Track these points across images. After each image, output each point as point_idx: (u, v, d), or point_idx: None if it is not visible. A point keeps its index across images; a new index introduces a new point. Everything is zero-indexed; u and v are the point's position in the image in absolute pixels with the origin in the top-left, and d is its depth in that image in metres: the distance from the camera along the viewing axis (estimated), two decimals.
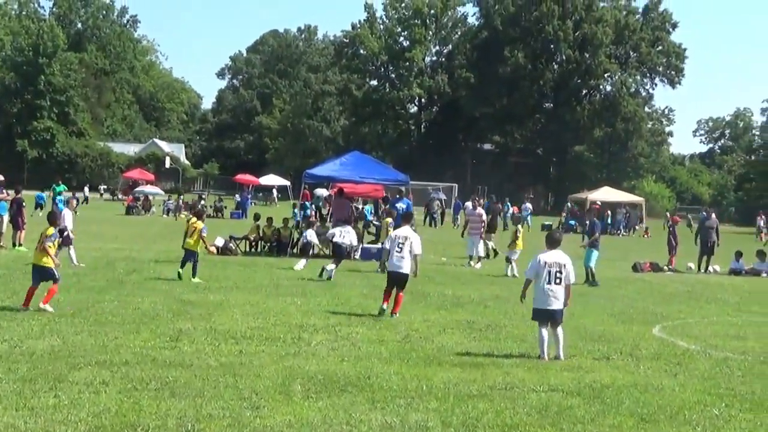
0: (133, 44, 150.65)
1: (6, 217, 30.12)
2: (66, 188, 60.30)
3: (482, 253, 30.10)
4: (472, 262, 29.55)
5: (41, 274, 16.40)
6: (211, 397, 10.06)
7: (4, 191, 31.46)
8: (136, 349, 12.71)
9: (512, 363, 12.88)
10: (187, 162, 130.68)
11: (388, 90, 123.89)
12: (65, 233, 23.06)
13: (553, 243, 13.72)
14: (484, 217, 31.41)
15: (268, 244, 32.75)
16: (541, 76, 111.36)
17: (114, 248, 30.85)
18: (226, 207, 64.98)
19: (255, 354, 12.75)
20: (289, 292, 20.27)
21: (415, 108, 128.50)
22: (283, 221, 33.50)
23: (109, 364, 11.56)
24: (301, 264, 25.84)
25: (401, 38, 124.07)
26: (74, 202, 26.61)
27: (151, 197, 69.92)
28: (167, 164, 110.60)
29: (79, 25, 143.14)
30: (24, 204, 30.91)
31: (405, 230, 17.92)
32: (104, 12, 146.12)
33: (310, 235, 27.76)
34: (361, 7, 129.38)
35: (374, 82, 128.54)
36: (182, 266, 21.86)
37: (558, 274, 13.34)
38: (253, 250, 32.95)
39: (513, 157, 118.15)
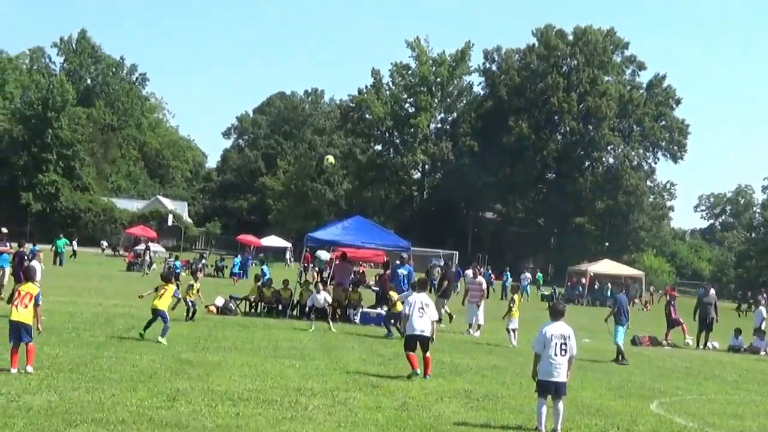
0: (141, 101, 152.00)
1: (8, 270, 30.15)
2: (68, 242, 60.42)
3: (482, 321, 30.05)
4: (471, 330, 29.53)
5: (26, 331, 15.85)
6: None
7: (7, 244, 31.53)
8: (132, 408, 12.69)
9: None
10: (189, 220, 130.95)
11: (392, 155, 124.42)
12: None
13: (556, 314, 13.73)
14: (484, 285, 31.44)
15: (268, 306, 32.75)
16: (545, 146, 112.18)
17: (114, 304, 30.85)
18: (226, 266, 64.95)
19: (252, 416, 12.73)
20: (287, 355, 20.26)
21: (419, 174, 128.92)
22: (283, 283, 33.51)
23: (106, 423, 11.55)
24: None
25: (407, 104, 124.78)
26: (40, 254, 26.64)
27: (152, 254, 69.90)
28: (170, 222, 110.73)
29: (89, 81, 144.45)
30: (26, 257, 30.95)
31: (423, 296, 18.45)
32: (114, 69, 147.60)
33: (320, 298, 28.01)
34: (368, 73, 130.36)
35: (379, 147, 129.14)
36: (146, 327, 21.67)
37: (563, 346, 13.34)
38: (252, 310, 32.93)
39: (514, 227, 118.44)
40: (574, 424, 14.06)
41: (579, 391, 17.64)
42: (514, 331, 26.42)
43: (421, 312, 17.86)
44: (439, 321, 32.14)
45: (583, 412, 15.32)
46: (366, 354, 21.57)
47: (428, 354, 17.95)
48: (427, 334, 17.93)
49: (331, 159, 23.45)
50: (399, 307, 26.25)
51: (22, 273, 16.59)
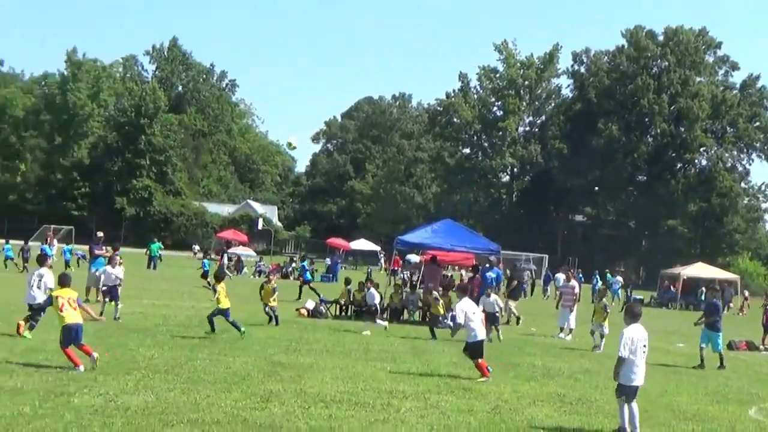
0: (231, 107, 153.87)
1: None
2: (161, 246, 61.27)
3: (573, 325, 29.74)
4: (562, 334, 29.27)
5: (80, 333, 16.31)
6: None
7: (103, 248, 32.12)
8: (227, 409, 12.82)
9: None
10: (279, 224, 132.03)
11: (480, 158, 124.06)
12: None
13: (635, 316, 13.53)
14: (577, 289, 31.13)
15: (358, 309, 32.83)
16: (635, 148, 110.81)
17: (206, 307, 31.13)
18: (317, 270, 65.31)
19: (344, 419, 12.76)
20: (378, 357, 20.28)
21: (507, 177, 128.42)
22: (358, 285, 33.56)
23: (201, 423, 11.67)
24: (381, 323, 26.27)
25: (495, 108, 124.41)
26: (117, 258, 27.20)
27: (243, 258, 70.63)
28: (260, 226, 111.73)
29: (180, 88, 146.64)
30: (121, 261, 31.45)
31: (470, 302, 18.65)
32: (204, 76, 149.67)
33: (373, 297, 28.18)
34: (456, 77, 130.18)
35: (467, 151, 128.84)
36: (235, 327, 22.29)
37: (644, 349, 13.20)
38: (343, 314, 33.06)
39: (604, 229, 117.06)
40: (671, 429, 13.85)
41: (675, 396, 17.39)
42: (602, 336, 25.93)
43: (473, 318, 18.06)
44: (507, 322, 32.09)
45: (679, 417, 15.07)
46: (457, 357, 21.46)
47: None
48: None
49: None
50: (440, 309, 26.34)
51: (58, 279, 16.91)
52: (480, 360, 17.90)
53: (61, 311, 15.99)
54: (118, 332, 21.83)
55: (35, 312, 20.32)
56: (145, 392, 13.75)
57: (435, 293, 28.30)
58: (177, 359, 17.56)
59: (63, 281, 16.78)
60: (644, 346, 13.18)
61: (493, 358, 21.68)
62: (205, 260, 56.14)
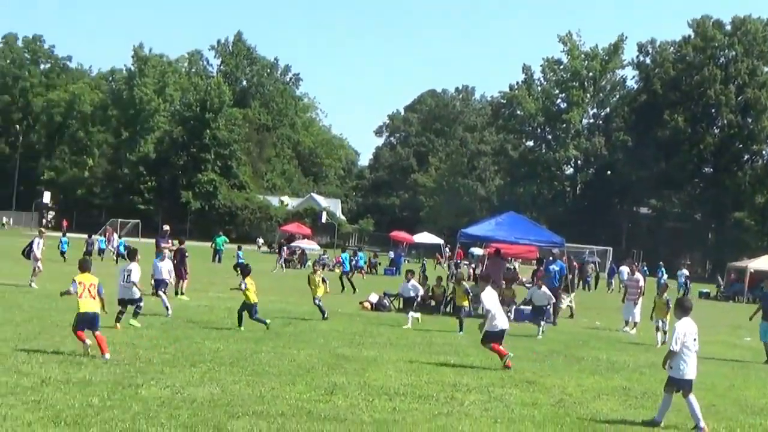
0: (295, 101, 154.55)
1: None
2: (226, 240, 61.73)
3: (638, 319, 29.47)
4: (627, 328, 29.04)
5: (95, 321, 16.35)
6: None
7: (169, 241, 32.47)
8: (291, 401, 12.90)
9: None
10: (342, 217, 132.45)
11: (544, 151, 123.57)
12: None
13: (686, 310, 13.46)
14: (642, 282, 30.85)
15: (422, 302, 32.83)
16: (701, 140, 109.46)
17: (270, 300, 31.41)
18: (380, 263, 65.45)
19: (408, 411, 12.78)
20: (442, 350, 20.29)
21: (571, 169, 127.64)
22: (436, 279, 33.55)
23: (266, 415, 11.76)
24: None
25: (558, 100, 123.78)
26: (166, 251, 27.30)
27: (307, 251, 70.93)
28: (323, 219, 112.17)
29: (244, 83, 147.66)
30: (187, 254, 31.79)
31: (493, 291, 18.98)
32: (268, 70, 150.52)
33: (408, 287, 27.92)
34: (519, 69, 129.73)
35: (530, 143, 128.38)
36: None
37: (695, 343, 13.14)
38: None
39: (669, 222, 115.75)
40: (738, 424, 13.68)
41: (743, 390, 17.20)
42: (665, 332, 25.33)
43: (497, 306, 18.38)
44: (571, 316, 31.85)
45: (746, 412, 14.88)
46: (520, 351, 21.41)
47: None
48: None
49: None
50: (465, 301, 25.92)
51: (78, 264, 17.00)
52: (494, 344, 18.01)
53: (80, 298, 16.11)
54: (184, 325, 22.07)
55: (129, 304, 20.92)
56: (211, 384, 13.88)
57: (464, 284, 28.01)
58: (242, 352, 17.71)
59: (84, 266, 16.80)
60: (694, 339, 13.10)
61: (557, 351, 21.65)
62: (239, 251, 56.27)
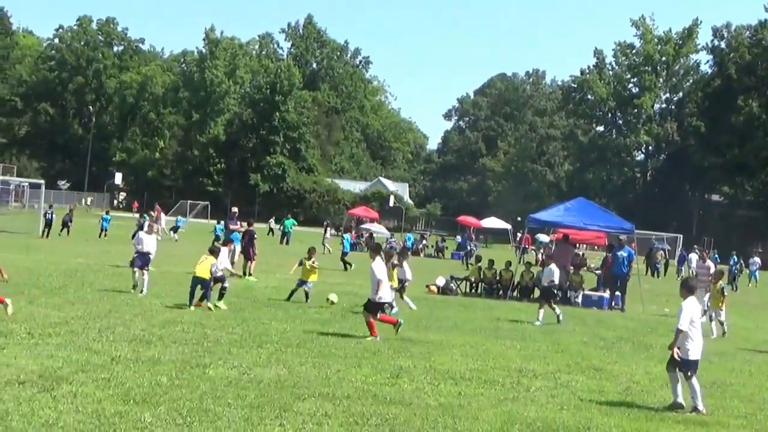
0: (364, 84, 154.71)
1: (238, 248, 31.30)
2: (295, 222, 62.10)
3: (705, 307, 29.01)
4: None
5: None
6: None
7: (237, 223, 32.71)
8: (357, 384, 12.93)
9: (739, 424, 12.34)
10: (410, 201, 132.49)
11: (614, 136, 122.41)
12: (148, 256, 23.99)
13: (690, 290, 13.53)
14: (713, 269, 30.41)
15: (488, 287, 32.77)
16: None
17: (337, 283, 31.55)
18: (447, 247, 65.40)
19: (474, 396, 12.74)
20: (508, 336, 20.20)
21: (642, 155, 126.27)
22: (505, 264, 33.43)
23: (332, 397, 11.80)
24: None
25: (630, 85, 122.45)
26: (156, 226, 26.53)
27: (375, 235, 71.00)
28: (391, 203, 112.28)
29: (314, 65, 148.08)
30: (256, 236, 32.01)
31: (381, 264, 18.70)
32: (338, 53, 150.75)
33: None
34: (591, 53, 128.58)
35: (600, 128, 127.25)
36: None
37: (697, 323, 13.21)
38: (473, 291, 33.05)
39: (742, 210, 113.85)
40: None
41: None
42: (722, 323, 24.42)
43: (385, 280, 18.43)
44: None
45: None
46: (588, 337, 21.29)
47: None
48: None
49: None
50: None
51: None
52: (372, 320, 17.93)
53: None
54: (252, 306, 22.24)
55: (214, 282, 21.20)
56: (278, 365, 13.96)
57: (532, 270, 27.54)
58: (309, 334, 17.79)
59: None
60: (698, 320, 13.16)
61: (625, 338, 21.45)
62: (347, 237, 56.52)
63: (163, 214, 64.47)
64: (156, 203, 78.42)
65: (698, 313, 13.17)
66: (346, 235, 45.22)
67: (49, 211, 51.63)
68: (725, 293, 24.53)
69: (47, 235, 48.44)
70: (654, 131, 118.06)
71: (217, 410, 10.51)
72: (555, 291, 24.77)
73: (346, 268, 40.75)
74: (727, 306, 24.58)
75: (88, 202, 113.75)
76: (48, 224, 49.59)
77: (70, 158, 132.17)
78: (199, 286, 20.77)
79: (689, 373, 12.92)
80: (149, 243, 24.40)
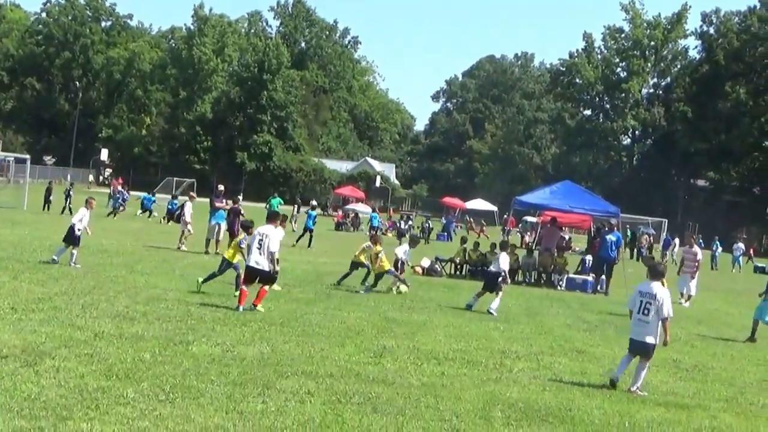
0: (353, 64, 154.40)
1: (224, 226, 31.25)
2: (281, 201, 62.03)
3: (693, 292, 29.19)
4: (681, 300, 28.76)
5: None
6: (412, 416, 10.15)
7: (223, 201, 32.65)
8: (340, 362, 12.96)
9: (720, 407, 12.44)
10: (397, 182, 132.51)
11: (601, 120, 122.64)
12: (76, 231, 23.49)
13: (655, 275, 13.46)
14: (700, 255, 30.54)
15: (473, 268, 32.81)
16: (763, 113, 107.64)
17: (322, 262, 31.59)
18: (432, 229, 65.44)
19: (456, 376, 12.79)
20: (491, 317, 20.26)
21: (629, 140, 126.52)
22: (491, 246, 33.47)
23: (315, 375, 11.83)
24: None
25: (618, 69, 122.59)
26: (93, 202, 26.08)
27: (360, 215, 71.10)
28: (377, 183, 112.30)
29: (303, 45, 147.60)
30: (242, 214, 31.98)
31: (267, 228, 18.30)
32: (327, 32, 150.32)
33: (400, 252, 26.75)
34: (580, 37, 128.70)
35: (588, 112, 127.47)
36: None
37: (648, 305, 13.05)
38: (457, 273, 33.10)
39: (727, 195, 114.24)
40: None
41: None
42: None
43: (260, 245, 17.82)
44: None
45: None
46: (571, 320, 21.39)
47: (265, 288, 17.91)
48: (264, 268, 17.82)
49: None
50: (386, 265, 24.14)
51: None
52: (244, 288, 17.85)
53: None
54: (235, 284, 22.21)
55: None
56: (261, 343, 13.97)
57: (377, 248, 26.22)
58: (292, 312, 17.80)
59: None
60: (648, 302, 13.04)
61: (608, 321, 21.56)
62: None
63: (120, 187, 64.56)
64: (113, 177, 78.24)
65: (647, 296, 13.15)
66: (312, 212, 44.69)
67: (69, 188, 53.57)
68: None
69: (61, 211, 49.32)
70: (641, 116, 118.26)
71: (200, 387, 10.53)
72: (500, 281, 22.43)
73: (310, 244, 40.52)
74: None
75: (68, 179, 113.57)
76: (67, 197, 51.13)
77: (56, 134, 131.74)
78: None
79: (646, 357, 13.09)
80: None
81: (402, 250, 26.62)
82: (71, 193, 52.15)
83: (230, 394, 10.32)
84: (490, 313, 20.53)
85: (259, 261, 17.72)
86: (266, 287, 17.71)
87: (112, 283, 20.00)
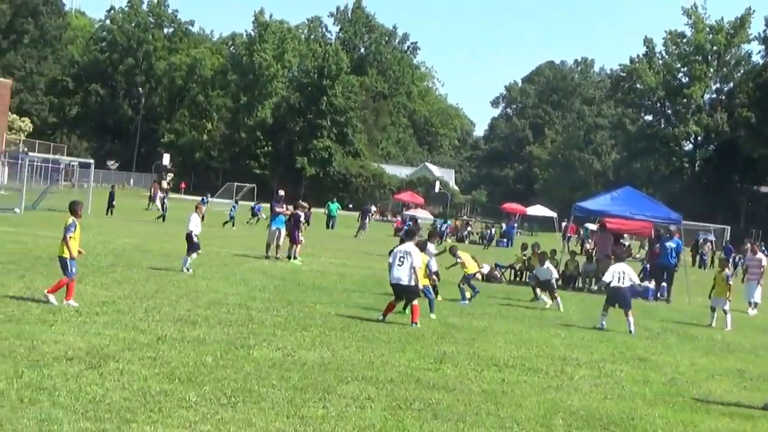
0: (412, 70, 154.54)
1: (284, 231, 31.35)
2: (339, 206, 62.30)
3: (759, 299, 28.72)
4: (749, 309, 28.28)
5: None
6: (472, 423, 10.11)
7: (283, 206, 32.75)
8: (401, 368, 12.94)
9: None
10: (456, 187, 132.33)
11: (663, 126, 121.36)
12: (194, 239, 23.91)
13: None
14: (764, 262, 30.09)
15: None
16: None
17: (382, 268, 31.53)
18: (494, 235, 65.22)
19: (517, 383, 12.72)
20: (552, 324, 20.15)
21: (690, 146, 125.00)
22: (550, 253, 33.23)
23: (375, 381, 11.83)
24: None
25: (680, 74, 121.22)
26: (203, 207, 26.54)
27: (419, 221, 70.96)
28: (437, 189, 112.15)
29: (362, 50, 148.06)
30: (302, 219, 32.10)
31: (408, 245, 18.36)
32: (387, 38, 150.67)
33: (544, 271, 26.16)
34: (640, 42, 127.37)
35: (649, 118, 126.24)
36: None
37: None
38: (517, 279, 32.96)
39: None
40: None
41: None
42: (726, 312, 23.46)
43: (401, 261, 17.74)
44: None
45: None
46: (632, 327, 21.17)
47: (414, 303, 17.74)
48: (404, 282, 17.68)
49: None
50: (471, 268, 24.26)
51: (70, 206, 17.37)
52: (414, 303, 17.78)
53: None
54: (297, 289, 22.30)
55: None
56: (322, 348, 14.01)
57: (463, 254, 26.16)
58: (353, 318, 17.82)
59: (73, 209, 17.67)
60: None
61: (670, 329, 21.33)
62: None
63: (159, 192, 65.49)
64: (153, 180, 79.13)
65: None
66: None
67: (164, 196, 57.08)
68: (731, 282, 23.71)
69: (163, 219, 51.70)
70: (703, 121, 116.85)
71: (261, 391, 10.59)
72: (553, 283, 24.26)
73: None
74: (732, 295, 23.78)
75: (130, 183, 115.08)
76: (163, 208, 53.94)
77: (120, 138, 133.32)
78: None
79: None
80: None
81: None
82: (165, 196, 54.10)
83: (291, 399, 10.36)
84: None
85: (401, 276, 17.77)
86: (415, 302, 17.66)
87: (174, 287, 20.18)
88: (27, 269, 20.99)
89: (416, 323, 17.33)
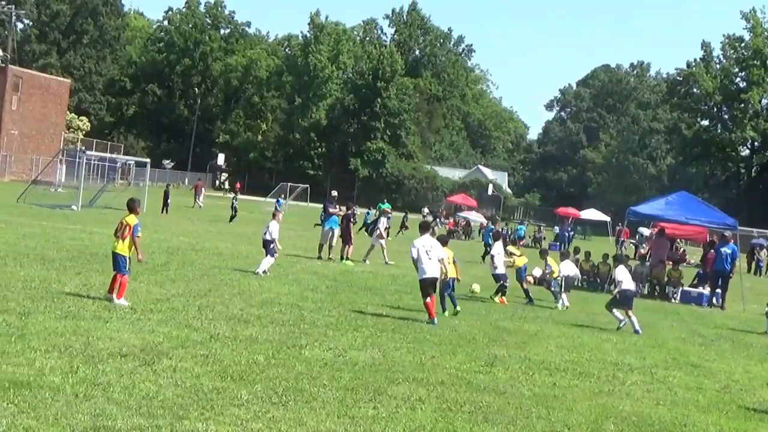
0: (466, 73, 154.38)
1: (337, 232, 31.44)
2: (390, 207, 62.25)
3: None
4: None
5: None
6: (523, 426, 10.10)
7: (336, 206, 32.83)
8: (451, 371, 12.95)
9: None
10: (509, 190, 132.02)
11: (719, 131, 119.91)
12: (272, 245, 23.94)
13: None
14: None
15: (586, 279, 32.43)
16: None
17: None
18: (545, 238, 64.89)
19: (568, 387, 12.68)
20: (605, 328, 20.02)
21: (747, 151, 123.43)
22: (602, 257, 33.07)
23: (426, 383, 11.84)
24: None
25: (738, 79, 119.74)
26: (280, 214, 26.50)
27: (472, 223, 70.90)
28: (490, 191, 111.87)
29: (417, 52, 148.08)
30: (354, 220, 32.18)
31: (426, 238, 18.72)
32: (441, 40, 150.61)
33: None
34: (698, 46, 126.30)
35: (705, 122, 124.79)
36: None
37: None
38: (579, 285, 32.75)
39: None
40: None
41: None
42: None
43: (429, 255, 17.92)
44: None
45: None
46: (686, 333, 21.01)
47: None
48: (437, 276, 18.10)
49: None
50: (520, 262, 24.59)
51: (127, 204, 17.44)
52: (428, 300, 17.82)
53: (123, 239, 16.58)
54: (349, 290, 22.38)
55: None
56: (373, 349, 14.05)
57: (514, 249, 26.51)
58: (404, 319, 17.86)
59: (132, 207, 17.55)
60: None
61: (725, 336, 21.14)
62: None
63: (203, 189, 66.47)
64: (197, 179, 79.94)
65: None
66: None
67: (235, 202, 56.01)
68: None
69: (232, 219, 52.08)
70: (761, 127, 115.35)
71: (312, 391, 10.65)
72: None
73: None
74: None
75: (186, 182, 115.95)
76: (234, 211, 53.91)
77: (175, 138, 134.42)
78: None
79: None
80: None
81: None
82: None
83: (342, 399, 10.41)
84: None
85: (432, 270, 17.99)
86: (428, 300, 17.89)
87: (227, 286, 20.33)
88: (84, 266, 21.26)
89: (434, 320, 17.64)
